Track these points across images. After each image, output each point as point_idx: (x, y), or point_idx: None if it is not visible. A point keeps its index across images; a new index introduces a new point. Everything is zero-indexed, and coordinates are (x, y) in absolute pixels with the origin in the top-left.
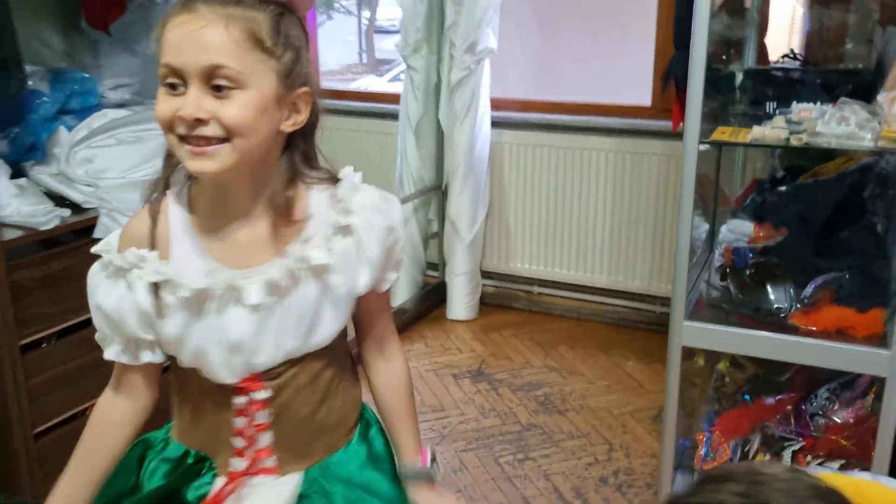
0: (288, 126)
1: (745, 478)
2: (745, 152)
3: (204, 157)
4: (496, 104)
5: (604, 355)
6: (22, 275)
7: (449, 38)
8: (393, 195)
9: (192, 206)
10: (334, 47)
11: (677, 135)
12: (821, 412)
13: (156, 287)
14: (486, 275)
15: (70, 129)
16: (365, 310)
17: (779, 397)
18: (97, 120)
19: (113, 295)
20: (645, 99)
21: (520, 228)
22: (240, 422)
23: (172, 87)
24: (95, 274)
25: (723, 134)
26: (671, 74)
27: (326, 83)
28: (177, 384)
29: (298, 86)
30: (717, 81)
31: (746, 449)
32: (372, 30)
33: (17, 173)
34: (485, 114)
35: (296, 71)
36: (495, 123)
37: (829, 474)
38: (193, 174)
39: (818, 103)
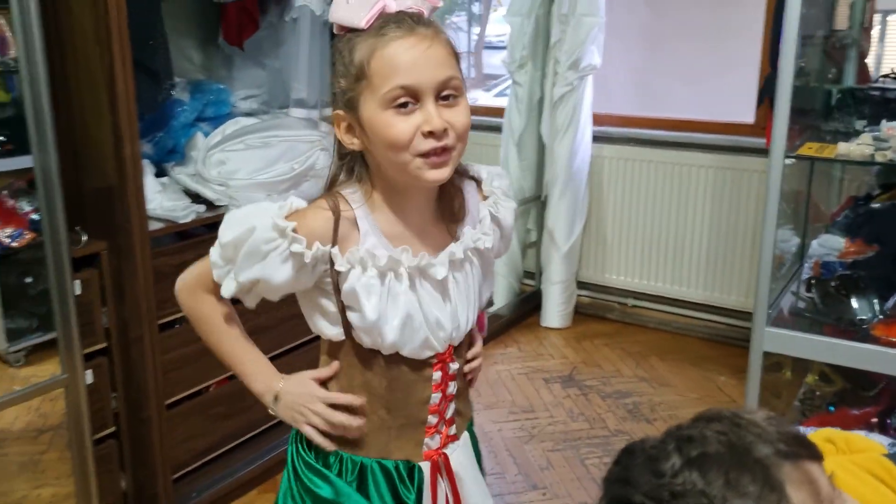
0: None
1: (729, 420)
2: (843, 170)
3: (442, 167)
4: (598, 119)
5: (696, 369)
6: (162, 261)
7: (554, 55)
8: (503, 171)
9: (371, 206)
10: None
11: None
12: None
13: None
14: (581, 285)
15: (206, 134)
16: None
17: (864, 409)
18: (230, 127)
19: (281, 272)
20: (748, 117)
21: (616, 241)
22: (436, 397)
23: (403, 106)
24: (268, 239)
25: (810, 149)
26: (766, 92)
27: None
28: (365, 388)
29: None
30: (812, 99)
31: None
32: (481, 46)
33: (159, 173)
34: (586, 128)
35: None
36: (596, 138)
37: (833, 431)
38: (429, 184)
39: None
